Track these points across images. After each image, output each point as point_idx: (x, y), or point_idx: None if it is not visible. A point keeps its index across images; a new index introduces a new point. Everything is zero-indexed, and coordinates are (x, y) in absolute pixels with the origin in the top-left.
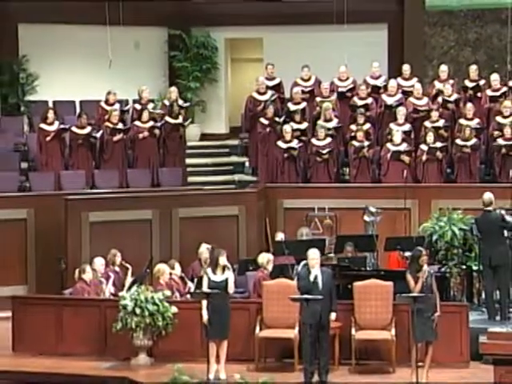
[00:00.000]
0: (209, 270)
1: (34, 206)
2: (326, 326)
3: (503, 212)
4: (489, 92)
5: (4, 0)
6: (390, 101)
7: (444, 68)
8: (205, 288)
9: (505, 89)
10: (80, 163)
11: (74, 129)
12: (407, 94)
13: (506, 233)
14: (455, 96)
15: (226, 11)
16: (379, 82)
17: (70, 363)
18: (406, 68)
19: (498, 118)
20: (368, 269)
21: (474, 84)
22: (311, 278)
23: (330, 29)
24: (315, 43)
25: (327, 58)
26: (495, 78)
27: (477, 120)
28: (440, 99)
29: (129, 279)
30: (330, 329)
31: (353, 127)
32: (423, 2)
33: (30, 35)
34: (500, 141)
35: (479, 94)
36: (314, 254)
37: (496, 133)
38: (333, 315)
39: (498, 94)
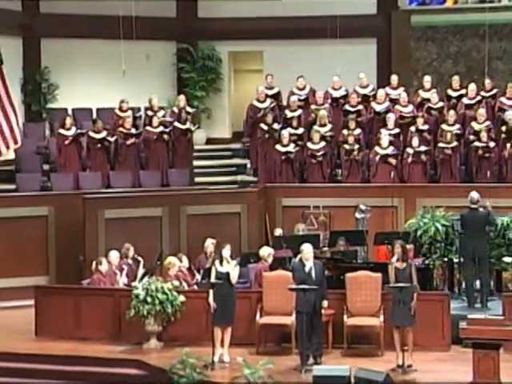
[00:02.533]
0: (217, 262)
1: (54, 204)
2: (319, 313)
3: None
4: (465, 100)
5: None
6: (378, 108)
7: (428, 78)
8: (212, 278)
9: (479, 97)
10: (96, 165)
11: (90, 133)
12: (395, 101)
13: (486, 228)
14: (440, 104)
15: (230, 27)
16: (368, 91)
17: (87, 347)
18: (394, 78)
19: (473, 124)
20: (359, 261)
21: (457, 93)
22: (306, 269)
23: (324, 43)
24: (311, 56)
25: (321, 69)
26: (472, 88)
27: (458, 126)
28: (425, 106)
29: (140, 271)
30: (322, 315)
31: (344, 132)
32: (409, 19)
33: (52, 49)
34: (477, 143)
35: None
36: (307, 249)
37: (471, 137)
38: (325, 303)
39: (473, 102)
